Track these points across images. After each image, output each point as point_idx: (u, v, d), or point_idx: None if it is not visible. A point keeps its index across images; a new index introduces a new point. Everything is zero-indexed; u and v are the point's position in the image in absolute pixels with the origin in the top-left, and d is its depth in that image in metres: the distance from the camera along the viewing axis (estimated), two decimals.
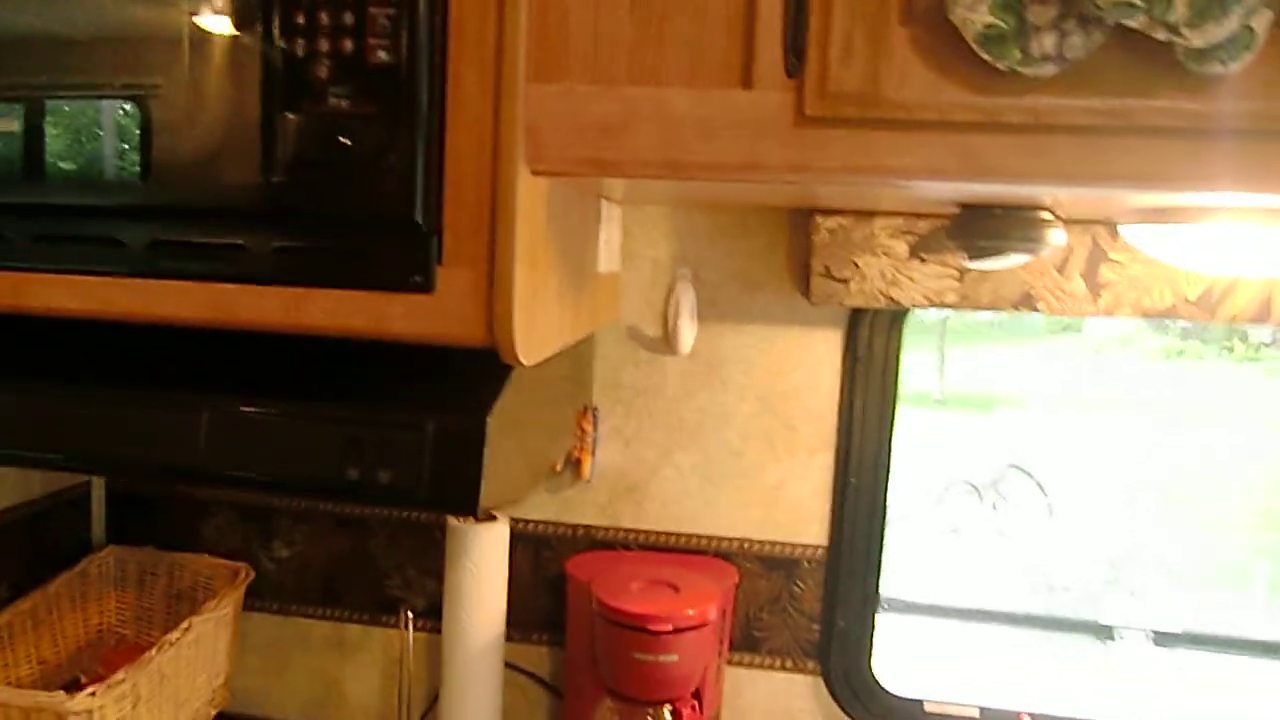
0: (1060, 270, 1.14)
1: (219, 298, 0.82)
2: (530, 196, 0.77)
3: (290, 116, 0.76)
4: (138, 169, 0.81)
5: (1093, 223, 1.12)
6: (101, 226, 0.84)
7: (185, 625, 1.29)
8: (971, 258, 0.96)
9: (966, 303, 1.16)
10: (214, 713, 1.46)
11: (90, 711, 1.13)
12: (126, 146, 0.81)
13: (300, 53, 0.74)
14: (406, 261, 0.77)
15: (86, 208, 0.83)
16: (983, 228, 0.92)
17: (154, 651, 1.23)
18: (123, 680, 1.17)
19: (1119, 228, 0.97)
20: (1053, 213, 0.93)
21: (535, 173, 0.76)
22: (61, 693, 1.13)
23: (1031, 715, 1.32)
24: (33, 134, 0.84)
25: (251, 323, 0.82)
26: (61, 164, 0.83)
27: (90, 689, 1.13)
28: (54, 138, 0.83)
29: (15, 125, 0.84)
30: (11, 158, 0.84)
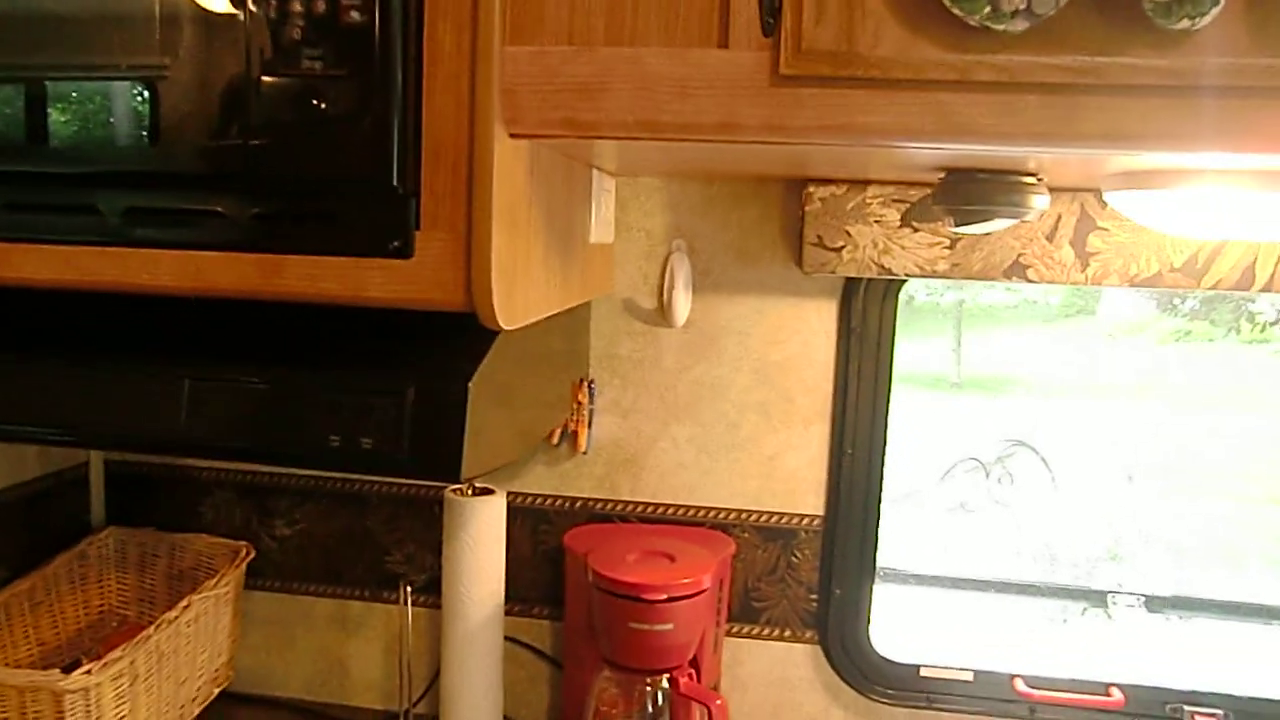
0: (1050, 239, 1.13)
1: (196, 265, 0.81)
2: (509, 159, 0.77)
3: (265, 80, 0.75)
4: (112, 135, 0.81)
5: (1081, 190, 1.11)
6: (76, 194, 0.83)
7: (184, 604, 1.30)
8: (958, 223, 0.96)
9: (958, 271, 1.15)
10: (217, 691, 1.47)
11: (87, 690, 1.13)
12: (100, 112, 0.81)
13: (273, 14, 0.74)
14: (384, 226, 0.77)
15: (59, 175, 0.83)
16: (967, 192, 0.92)
17: (152, 630, 1.23)
18: (120, 659, 1.17)
19: (1104, 194, 0.97)
20: (1037, 177, 0.93)
21: (513, 135, 0.76)
22: (57, 671, 1.13)
23: (1024, 677, 1.33)
24: (1, 100, 0.84)
25: (230, 290, 0.81)
26: (32, 131, 0.82)
27: (86, 667, 1.13)
28: (24, 105, 0.83)
29: None
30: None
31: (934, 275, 1.15)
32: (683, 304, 1.31)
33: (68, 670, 1.15)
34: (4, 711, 1.15)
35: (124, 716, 1.21)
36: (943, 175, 0.95)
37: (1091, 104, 0.68)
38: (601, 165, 1.14)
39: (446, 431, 0.78)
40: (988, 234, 1.13)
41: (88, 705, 1.14)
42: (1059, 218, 1.12)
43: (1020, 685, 1.32)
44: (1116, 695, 1.31)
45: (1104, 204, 1.10)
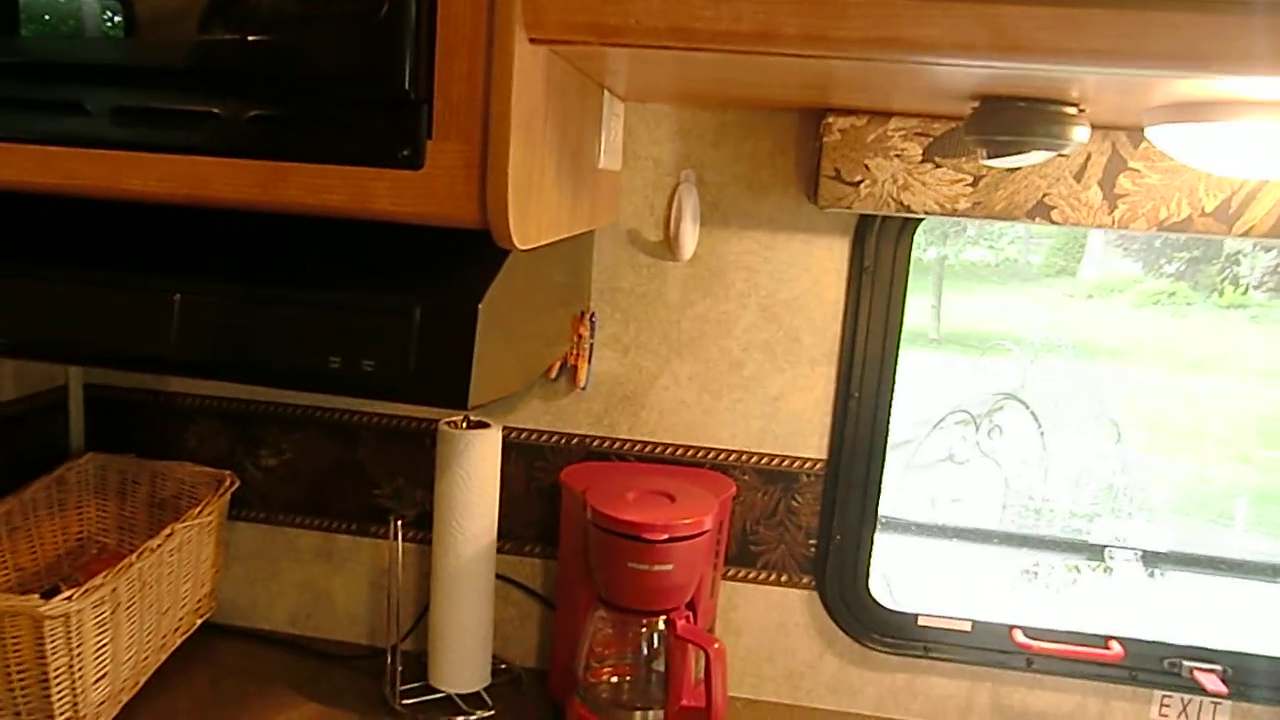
0: (1077, 178, 1.09)
1: (190, 171, 0.76)
2: (528, 67, 0.72)
3: None
4: (99, 24, 0.75)
5: (1114, 128, 1.07)
6: (59, 90, 0.77)
7: (167, 532, 1.27)
8: (990, 154, 0.91)
9: (980, 210, 1.11)
10: (199, 621, 1.44)
11: (68, 616, 1.11)
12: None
13: None
14: (394, 134, 0.72)
15: (43, 68, 0.77)
16: (1004, 121, 0.87)
17: (134, 558, 1.20)
18: (101, 586, 1.14)
19: (1146, 129, 0.92)
20: (1078, 107, 0.88)
21: (533, 40, 0.71)
22: (36, 596, 1.10)
23: (1023, 628, 1.31)
24: None
25: (226, 199, 0.76)
26: (6, 17, 0.76)
27: (67, 593, 1.10)
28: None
29: None
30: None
31: (954, 214, 1.11)
32: (690, 237, 1.26)
33: (47, 596, 1.12)
34: None
35: (105, 644, 1.18)
36: (976, 104, 0.90)
37: (1160, 20, 0.63)
38: (613, 86, 1.08)
39: (454, 354, 0.73)
40: (1013, 171, 1.09)
41: (68, 632, 1.11)
42: (1088, 157, 1.08)
43: (1019, 636, 1.31)
44: (1115, 648, 1.30)
45: (1137, 143, 1.06)
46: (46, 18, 0.76)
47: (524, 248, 0.76)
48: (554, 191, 0.86)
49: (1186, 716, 1.32)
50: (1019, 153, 0.89)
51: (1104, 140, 1.08)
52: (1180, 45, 0.63)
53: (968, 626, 1.33)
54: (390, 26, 0.69)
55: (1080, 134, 0.87)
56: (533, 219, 0.78)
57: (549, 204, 0.84)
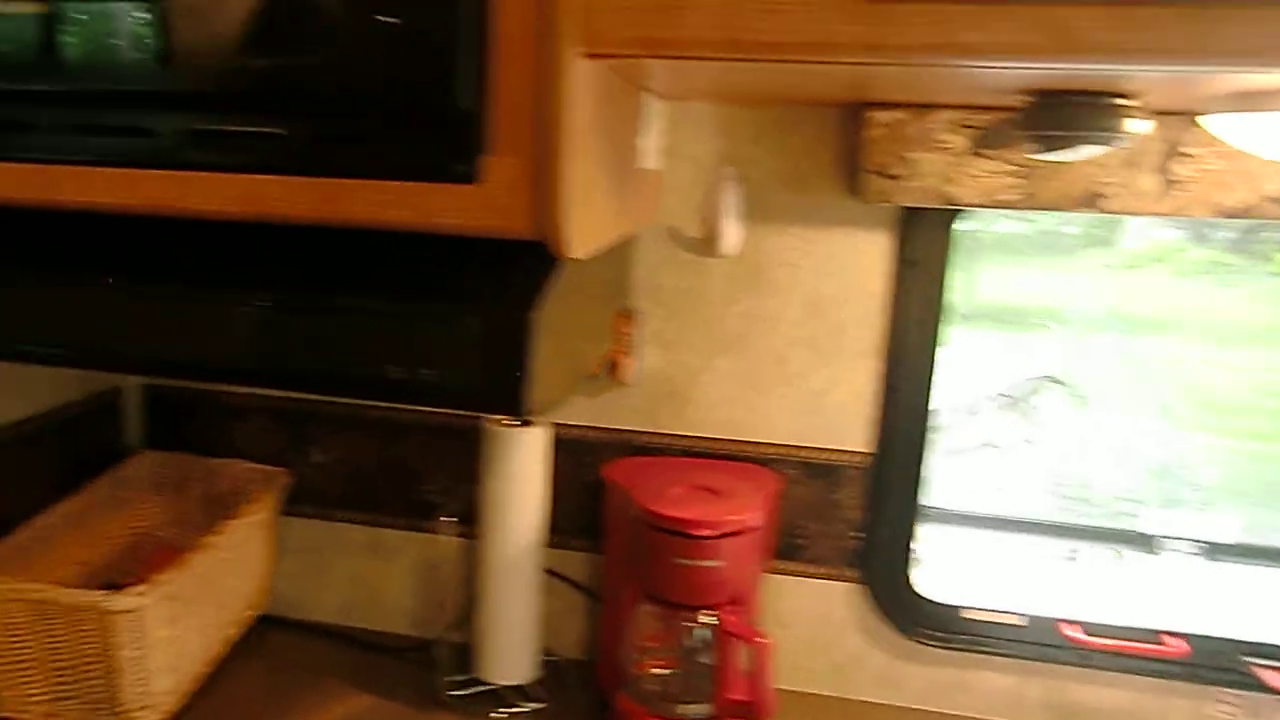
0: (1131, 166, 1.08)
1: (255, 190, 0.78)
2: (580, 81, 0.73)
3: None
4: (165, 54, 0.77)
5: (1170, 114, 1.05)
6: (131, 116, 0.80)
7: (226, 529, 1.30)
8: (1042, 150, 0.91)
9: (1028, 201, 1.11)
10: (253, 615, 1.47)
11: (134, 611, 1.14)
12: (153, 31, 0.77)
13: None
14: (451, 150, 0.73)
15: (115, 95, 0.79)
16: (1057, 117, 0.86)
17: (195, 554, 1.23)
18: (166, 581, 1.18)
19: (1201, 119, 0.91)
20: (1135, 99, 0.87)
21: (588, 55, 0.72)
22: (105, 591, 1.14)
23: (1074, 622, 1.31)
24: (52, 18, 0.80)
25: (288, 216, 0.78)
26: (86, 49, 0.79)
27: (135, 589, 1.14)
28: (75, 23, 0.79)
29: (33, 7, 0.80)
30: (33, 43, 0.81)
31: (1001, 206, 1.11)
32: (731, 233, 1.27)
33: (107, 590, 1.16)
34: (53, 629, 1.16)
35: (170, 638, 1.21)
36: (1028, 98, 0.90)
37: (1234, 16, 0.62)
38: (654, 88, 1.09)
39: (511, 363, 0.75)
40: (1062, 162, 1.08)
41: (135, 625, 1.15)
42: (1143, 144, 1.07)
43: (1070, 630, 1.30)
44: (1174, 644, 1.29)
45: (1195, 129, 1.04)
46: (91, 51, 0.79)
47: (578, 257, 0.78)
48: (603, 199, 0.87)
49: (1249, 715, 1.30)
50: (1072, 148, 0.88)
51: (1159, 126, 1.07)
52: (1245, 42, 0.62)
53: (1017, 620, 1.33)
54: (446, 46, 0.70)
55: (1137, 127, 0.86)
56: (585, 228, 0.79)
57: (598, 212, 0.85)
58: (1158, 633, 1.30)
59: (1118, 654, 1.30)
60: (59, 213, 0.86)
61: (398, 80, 0.73)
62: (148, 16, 0.77)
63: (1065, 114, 0.85)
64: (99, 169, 0.83)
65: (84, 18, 0.79)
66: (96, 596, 1.13)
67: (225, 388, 1.50)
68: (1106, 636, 1.30)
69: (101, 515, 1.43)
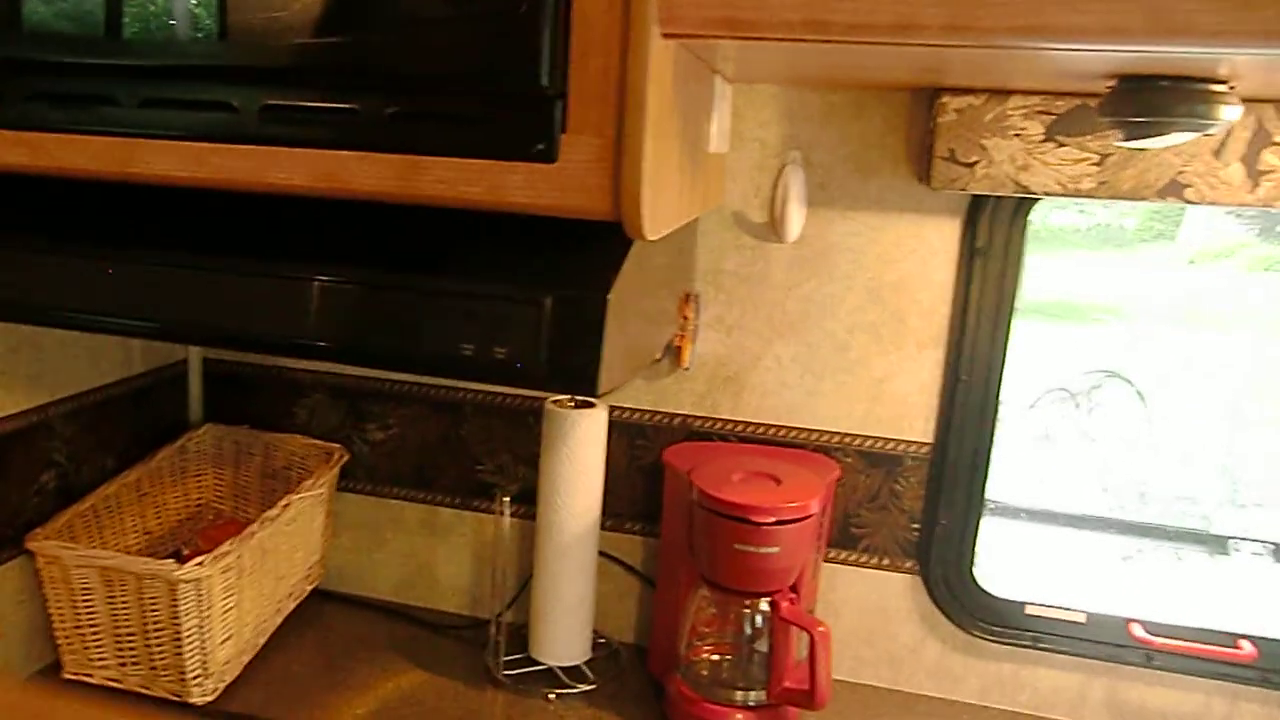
0: (1217, 155, 1.05)
1: (331, 165, 0.78)
2: (660, 62, 0.72)
3: None
4: (249, 29, 0.77)
5: (1260, 101, 1.02)
6: (212, 90, 0.80)
7: (285, 503, 1.31)
8: (1127, 137, 0.88)
9: (1105, 190, 1.08)
10: (309, 588, 1.49)
11: (199, 580, 1.16)
12: (237, 5, 0.78)
13: None
14: (529, 128, 0.73)
15: (196, 69, 0.80)
16: (1144, 102, 0.83)
17: (256, 527, 1.25)
18: (229, 552, 1.19)
19: None
20: (1228, 84, 0.84)
21: (666, 35, 0.71)
22: (172, 561, 1.16)
23: (1142, 622, 1.29)
24: None
25: (364, 192, 0.79)
26: (169, 25, 0.80)
27: (199, 559, 1.16)
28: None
29: None
30: (106, 16, 0.81)
31: (1077, 195, 1.09)
32: (795, 218, 1.26)
33: (170, 559, 1.18)
34: (123, 596, 1.19)
35: (230, 608, 1.24)
36: (1113, 83, 0.87)
37: None
38: (723, 70, 1.08)
39: (584, 343, 0.75)
40: (1143, 150, 1.05)
41: (199, 594, 1.17)
42: (1230, 131, 1.03)
43: (1137, 630, 1.27)
44: (1246, 647, 1.25)
45: None
46: (174, 26, 0.80)
47: (652, 238, 0.77)
48: (677, 180, 0.86)
49: None
50: (1160, 134, 0.86)
51: (1248, 114, 1.03)
52: None
53: (1081, 618, 1.31)
54: (527, 24, 0.70)
55: (1229, 113, 0.83)
56: (661, 210, 0.79)
57: (673, 193, 0.85)
58: (1228, 635, 1.27)
59: (1185, 655, 1.27)
60: (137, 186, 0.87)
61: (478, 58, 0.72)
62: None
63: (1152, 99, 0.82)
64: (176, 143, 0.84)
65: None
66: (166, 565, 1.15)
67: (286, 363, 1.52)
68: (1174, 637, 1.27)
69: (164, 486, 1.46)
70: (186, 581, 1.15)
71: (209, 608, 1.18)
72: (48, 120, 0.87)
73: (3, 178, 0.92)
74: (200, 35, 0.79)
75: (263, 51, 0.78)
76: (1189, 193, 1.06)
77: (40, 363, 1.25)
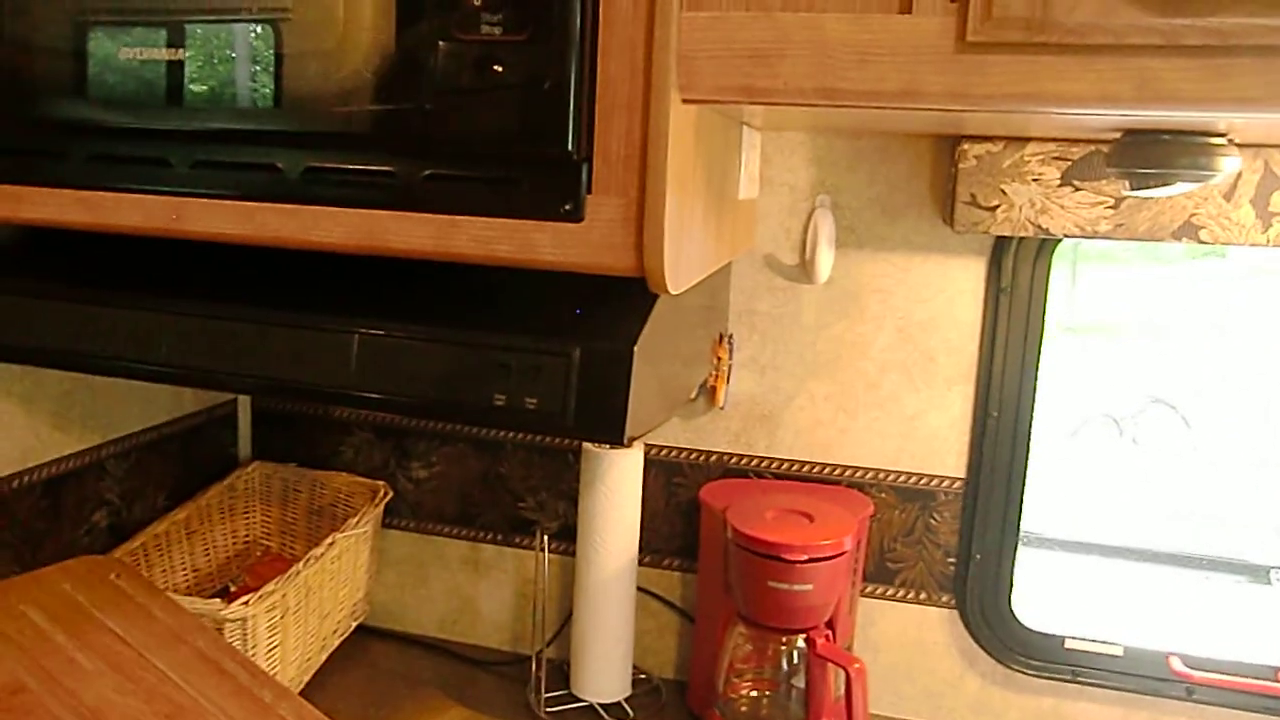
0: (1227, 198, 1.07)
1: (371, 224, 0.83)
2: (680, 124, 0.76)
3: (442, 44, 0.76)
4: (296, 97, 0.82)
5: (1267, 146, 1.05)
6: (258, 153, 0.85)
7: (329, 541, 1.35)
8: (1134, 186, 0.91)
9: (1121, 231, 1.11)
10: (354, 624, 1.52)
11: (244, 620, 1.19)
12: (285, 75, 0.82)
13: None
14: (556, 190, 0.77)
15: (242, 134, 0.85)
16: (1148, 154, 0.86)
17: (301, 565, 1.28)
18: (273, 591, 1.23)
19: None
20: (1226, 137, 0.87)
21: (686, 101, 0.75)
22: (218, 600, 1.20)
23: (1182, 656, 1.28)
24: (181, 62, 0.86)
25: (401, 250, 0.83)
26: (217, 90, 0.85)
27: (244, 598, 1.19)
28: (204, 65, 0.85)
29: (164, 53, 0.86)
30: (166, 85, 0.87)
31: (1095, 236, 1.11)
32: (825, 260, 1.29)
33: (218, 597, 1.21)
34: None
35: (275, 645, 1.27)
36: (1118, 136, 0.90)
37: None
38: (750, 121, 1.12)
39: (611, 393, 0.78)
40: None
41: (244, 633, 1.20)
42: (1239, 175, 1.06)
43: (1177, 664, 1.27)
44: None
45: None
46: (221, 92, 0.85)
47: (676, 292, 0.80)
48: (700, 233, 0.90)
49: None
50: (1164, 184, 0.88)
51: (1255, 158, 1.06)
52: None
53: (1120, 651, 1.31)
54: (554, 93, 0.74)
55: (1229, 164, 0.87)
56: (684, 264, 0.82)
57: (696, 246, 0.88)
58: (1269, 668, 1.26)
59: (1228, 690, 1.27)
60: (188, 242, 0.92)
61: (508, 125, 0.76)
62: (268, 58, 0.83)
63: (1155, 151, 0.85)
64: (224, 202, 0.88)
65: (209, 61, 0.85)
66: (212, 605, 1.18)
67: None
68: (1216, 671, 1.27)
69: (212, 523, 1.50)
70: (232, 620, 1.18)
71: (254, 646, 1.21)
72: (106, 179, 0.93)
73: (63, 233, 0.97)
74: (258, 104, 0.84)
75: (308, 117, 0.83)
76: (1203, 234, 1.09)
77: (93, 404, 1.30)
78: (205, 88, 0.85)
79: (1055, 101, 0.67)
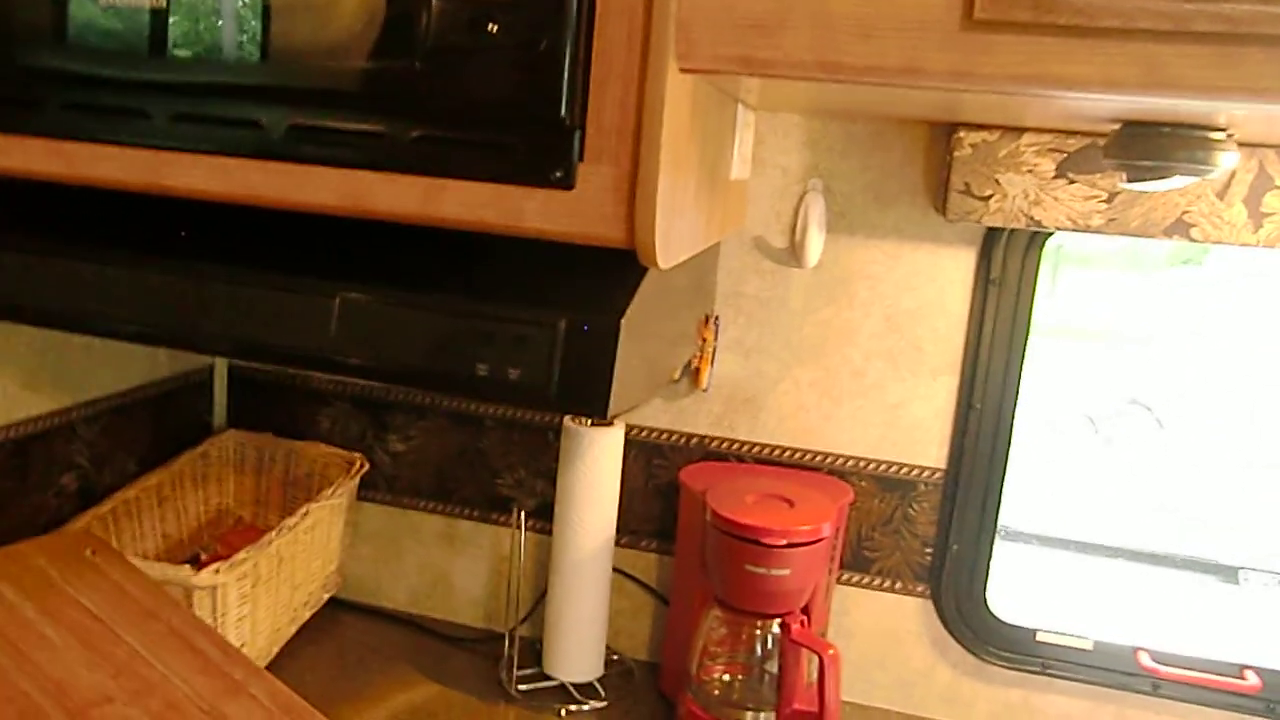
0: (1220, 196, 1.07)
1: (356, 185, 0.81)
2: (676, 94, 0.74)
3: (436, 2, 0.74)
4: (281, 51, 0.80)
5: (1262, 146, 1.04)
6: (241, 109, 0.83)
7: (303, 511, 1.33)
8: (1130, 179, 0.90)
9: (1113, 226, 1.10)
10: (326, 597, 1.51)
11: (214, 587, 1.18)
12: (264, 27, 0.80)
13: None
14: (547, 156, 0.75)
15: (225, 87, 0.83)
16: (1147, 146, 0.86)
17: (273, 534, 1.27)
18: (244, 560, 1.21)
19: None
20: (1226, 132, 0.87)
21: (684, 70, 0.73)
22: (188, 567, 1.18)
23: (1150, 651, 1.29)
24: (164, 11, 0.83)
25: (386, 213, 0.81)
26: (199, 42, 0.82)
27: (214, 566, 1.18)
28: (187, 16, 0.82)
29: (147, 0, 0.84)
30: (148, 34, 0.84)
31: (1087, 230, 1.10)
32: (815, 244, 1.27)
33: (189, 564, 1.20)
34: None
35: (244, 615, 1.25)
36: (1117, 127, 0.89)
37: None
38: (745, 99, 1.10)
39: (596, 367, 0.77)
40: (1149, 191, 1.07)
41: (214, 601, 1.19)
42: (1233, 174, 1.06)
43: (1145, 659, 1.28)
44: (1251, 679, 1.26)
45: None
46: (204, 44, 0.82)
47: (665, 267, 0.79)
48: (693, 209, 0.88)
49: None
50: (1161, 178, 0.88)
51: (1250, 158, 1.06)
52: None
53: (1089, 645, 1.31)
54: (549, 57, 0.72)
55: (1227, 160, 0.86)
56: (675, 239, 0.81)
57: (688, 222, 0.87)
58: (1235, 665, 1.27)
59: (1191, 685, 1.28)
60: (169, 199, 0.89)
61: (501, 87, 0.75)
62: (256, 7, 0.80)
63: (1154, 143, 0.85)
64: (205, 157, 0.86)
65: (193, 10, 0.82)
66: (181, 571, 1.17)
67: (310, 372, 1.54)
68: (1183, 667, 1.28)
69: (184, 490, 1.49)
70: (202, 588, 1.16)
71: (224, 615, 1.20)
72: (82, 130, 0.90)
73: (38, 186, 0.95)
74: (243, 56, 0.81)
75: (294, 72, 0.80)
76: (1194, 232, 1.08)
77: (65, 365, 1.28)
78: (188, 38, 0.83)
79: (1060, 84, 0.66)
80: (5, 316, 0.96)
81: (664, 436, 1.41)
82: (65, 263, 0.92)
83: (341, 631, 1.50)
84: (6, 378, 1.20)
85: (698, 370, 1.34)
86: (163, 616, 1.05)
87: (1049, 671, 1.32)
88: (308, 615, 1.46)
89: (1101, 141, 1.02)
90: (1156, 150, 0.86)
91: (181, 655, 1.00)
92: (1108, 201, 1.10)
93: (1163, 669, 1.28)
